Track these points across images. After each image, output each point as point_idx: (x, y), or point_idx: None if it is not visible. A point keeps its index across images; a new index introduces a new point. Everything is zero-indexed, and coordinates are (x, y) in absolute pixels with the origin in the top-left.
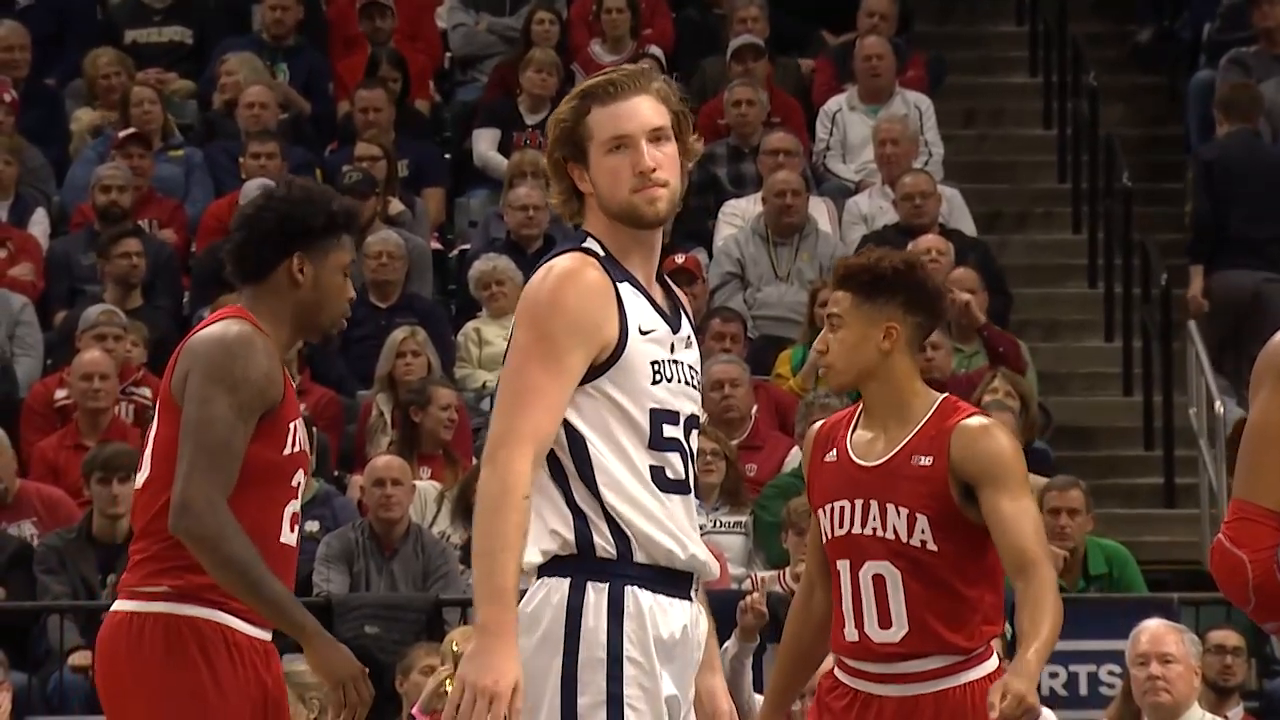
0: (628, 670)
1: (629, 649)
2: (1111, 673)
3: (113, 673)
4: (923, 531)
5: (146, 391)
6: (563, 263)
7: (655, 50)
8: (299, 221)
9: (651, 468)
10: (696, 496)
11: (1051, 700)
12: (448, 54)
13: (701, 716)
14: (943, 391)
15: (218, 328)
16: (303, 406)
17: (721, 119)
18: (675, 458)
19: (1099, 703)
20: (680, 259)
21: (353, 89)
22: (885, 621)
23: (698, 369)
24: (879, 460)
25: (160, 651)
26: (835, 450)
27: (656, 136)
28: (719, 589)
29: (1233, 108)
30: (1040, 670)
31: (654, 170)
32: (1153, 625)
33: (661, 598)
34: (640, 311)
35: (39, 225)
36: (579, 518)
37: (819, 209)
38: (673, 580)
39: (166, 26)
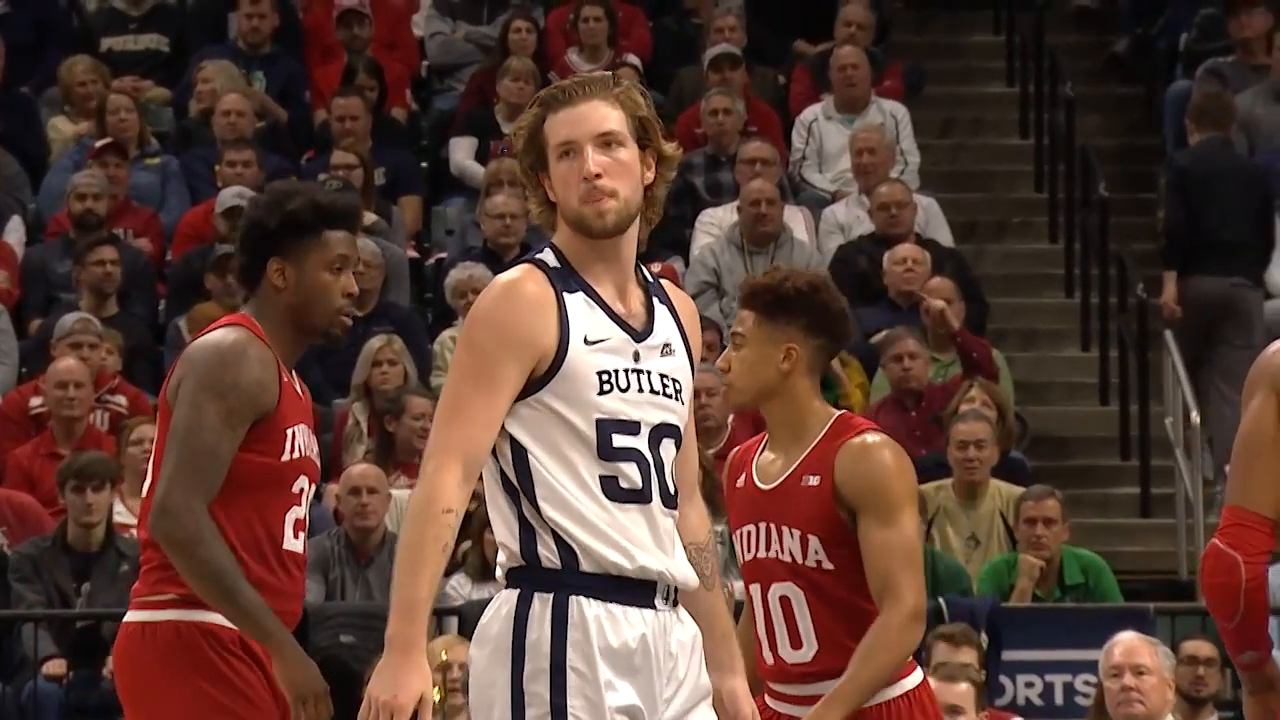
0: (571, 680)
1: (572, 658)
2: (1087, 683)
3: (131, 683)
4: (816, 551)
5: (121, 400)
6: (503, 277)
7: (633, 59)
8: (263, 226)
9: (601, 478)
10: (666, 505)
11: (1027, 710)
12: (425, 62)
13: (724, 718)
14: (919, 401)
15: (215, 335)
16: None
17: (698, 128)
18: (630, 467)
19: (1074, 712)
20: (656, 268)
21: (329, 97)
22: (796, 642)
23: (680, 377)
24: (775, 482)
25: (175, 657)
26: (744, 475)
27: (606, 142)
28: None
29: (1204, 116)
30: (846, 710)
31: (597, 176)
32: (1126, 637)
33: (614, 607)
34: (589, 321)
35: (14, 233)
36: (525, 530)
37: (795, 218)
38: (627, 589)
39: (143, 34)
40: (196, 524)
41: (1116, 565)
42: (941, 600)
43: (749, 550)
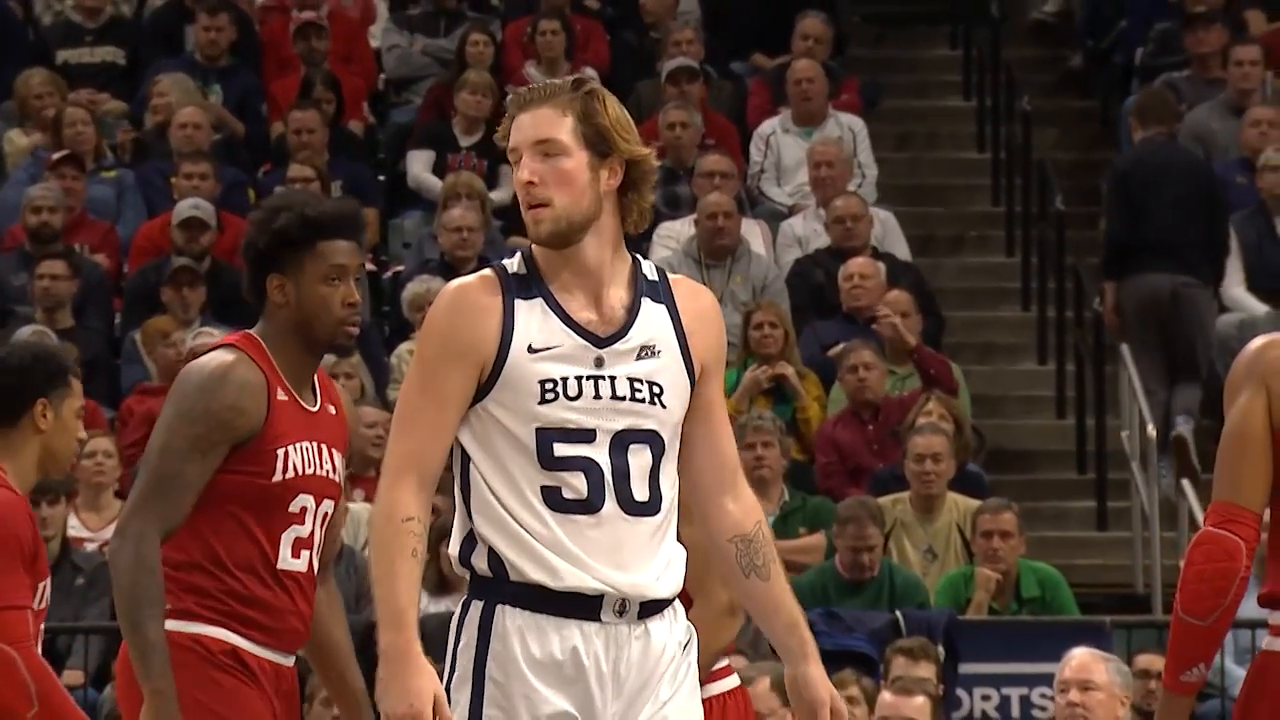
0: (488, 690)
1: (491, 668)
2: (1044, 696)
3: (126, 695)
4: None
5: None
6: (451, 284)
7: (590, 72)
8: (255, 246)
9: (543, 488)
10: (632, 513)
11: None
12: (382, 75)
13: (799, 706)
14: (876, 414)
15: (205, 357)
16: None
17: (656, 141)
18: (575, 477)
19: None
20: None
21: (286, 110)
22: None
23: (662, 379)
24: None
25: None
26: None
27: (545, 150)
28: None
29: (1148, 113)
30: None
31: (529, 184)
32: (1079, 653)
33: (542, 618)
34: (538, 329)
35: None
36: (467, 538)
37: (753, 231)
38: (558, 602)
39: (99, 47)
40: (135, 550)
41: (1073, 578)
42: (899, 613)
43: None
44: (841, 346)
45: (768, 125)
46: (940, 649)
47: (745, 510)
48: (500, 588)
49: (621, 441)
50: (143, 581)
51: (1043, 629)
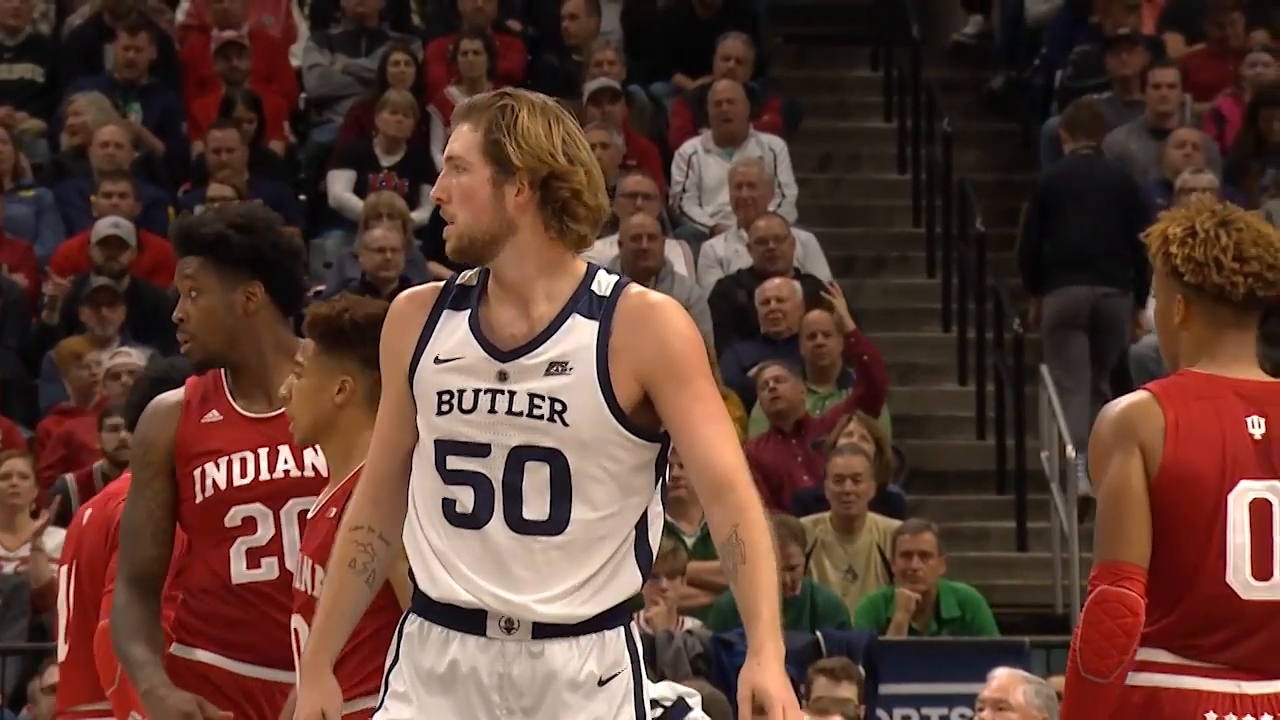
0: (387, 697)
1: (393, 674)
2: (963, 716)
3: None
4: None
5: None
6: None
7: None
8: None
9: (444, 500)
10: (521, 531)
11: None
12: (303, 94)
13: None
14: (799, 430)
15: None
16: None
17: None
18: (464, 491)
19: None
20: None
21: (206, 129)
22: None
23: (566, 397)
24: (312, 513)
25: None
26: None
27: (454, 166)
28: None
29: (1077, 126)
30: None
31: (436, 200)
32: (1001, 673)
33: (431, 627)
34: (449, 340)
35: None
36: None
37: (674, 252)
38: (445, 613)
39: (17, 64)
40: (113, 596)
41: (993, 599)
42: (819, 634)
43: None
44: (757, 366)
45: (689, 145)
46: (861, 669)
47: (725, 515)
48: (417, 597)
49: (518, 458)
50: (114, 620)
51: (963, 649)
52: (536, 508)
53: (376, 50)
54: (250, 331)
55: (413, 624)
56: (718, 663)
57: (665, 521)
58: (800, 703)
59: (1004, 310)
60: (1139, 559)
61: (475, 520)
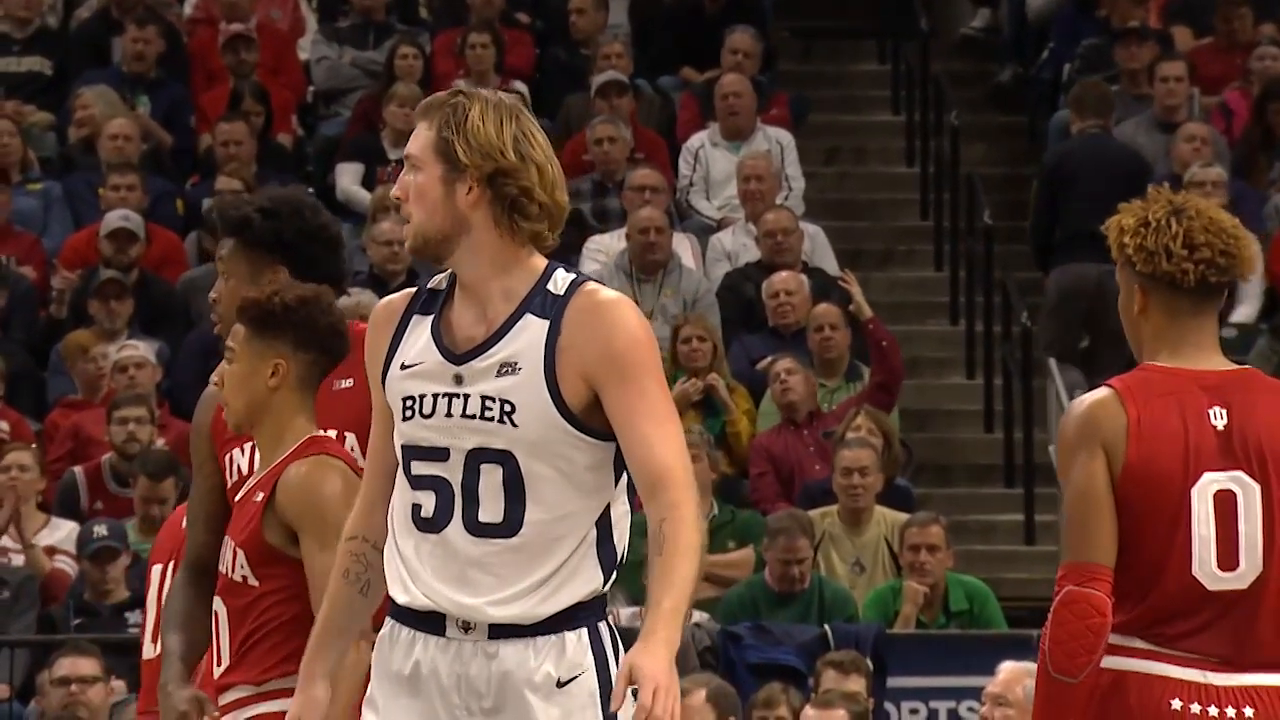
0: (366, 699)
1: (373, 676)
2: (971, 709)
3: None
4: (242, 566)
5: (4, 425)
6: None
7: (519, 86)
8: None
9: (412, 505)
10: (478, 534)
11: None
12: (311, 88)
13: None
14: (811, 420)
15: None
16: (162, 441)
17: (585, 154)
18: (427, 496)
19: None
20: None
21: (214, 122)
22: (219, 659)
23: (515, 398)
24: (239, 495)
25: None
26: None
27: (410, 164)
28: None
29: (1084, 104)
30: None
31: (398, 199)
32: (1007, 667)
33: (400, 630)
34: (414, 346)
35: None
36: None
37: (682, 245)
38: (411, 615)
39: (25, 57)
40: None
41: (1001, 592)
42: (827, 627)
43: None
44: (769, 358)
45: (696, 139)
46: (869, 662)
47: (656, 511)
48: (390, 602)
49: (474, 461)
50: (164, 604)
51: (970, 642)
52: (492, 510)
53: (384, 43)
54: None
55: (386, 627)
56: (725, 656)
57: None
58: (809, 695)
59: (1012, 303)
60: (1105, 559)
61: (435, 525)
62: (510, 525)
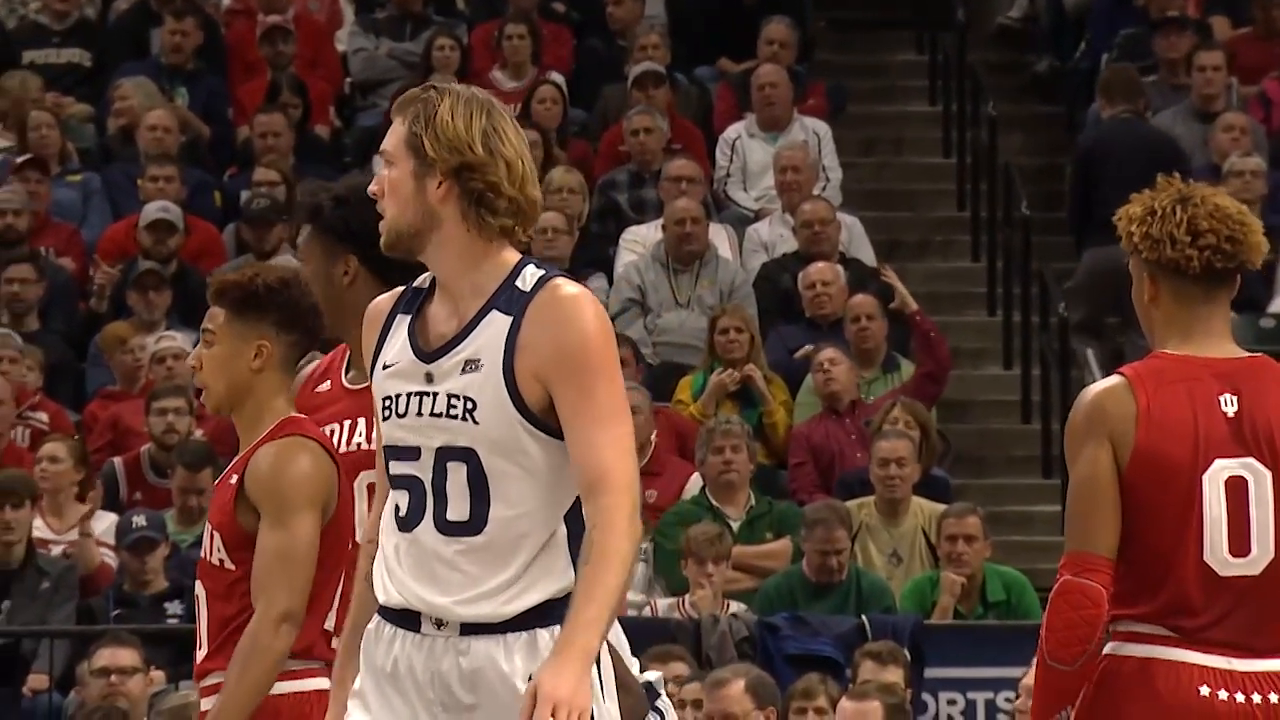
0: (358, 689)
1: (361, 671)
2: (1008, 700)
3: None
4: (219, 550)
5: (43, 416)
6: None
7: (556, 77)
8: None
9: (394, 505)
10: (446, 532)
11: None
12: (348, 79)
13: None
14: (852, 409)
15: None
16: (200, 432)
17: (622, 145)
18: (403, 495)
19: None
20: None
21: (252, 114)
22: (199, 643)
23: (476, 395)
24: (218, 480)
25: None
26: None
27: (385, 159)
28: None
29: (1113, 89)
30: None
31: (374, 195)
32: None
33: (384, 626)
34: (393, 346)
35: None
36: None
37: (719, 236)
38: (393, 612)
39: (64, 49)
40: None
41: (1038, 582)
42: (864, 618)
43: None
44: (809, 347)
45: (733, 130)
46: (906, 653)
47: (590, 516)
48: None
49: (442, 459)
50: None
51: (1008, 633)
52: (459, 508)
53: (421, 35)
54: (350, 302)
55: (373, 623)
56: (763, 646)
57: (711, 506)
58: (846, 686)
59: (1049, 294)
60: (1105, 550)
61: (409, 524)
62: (476, 523)
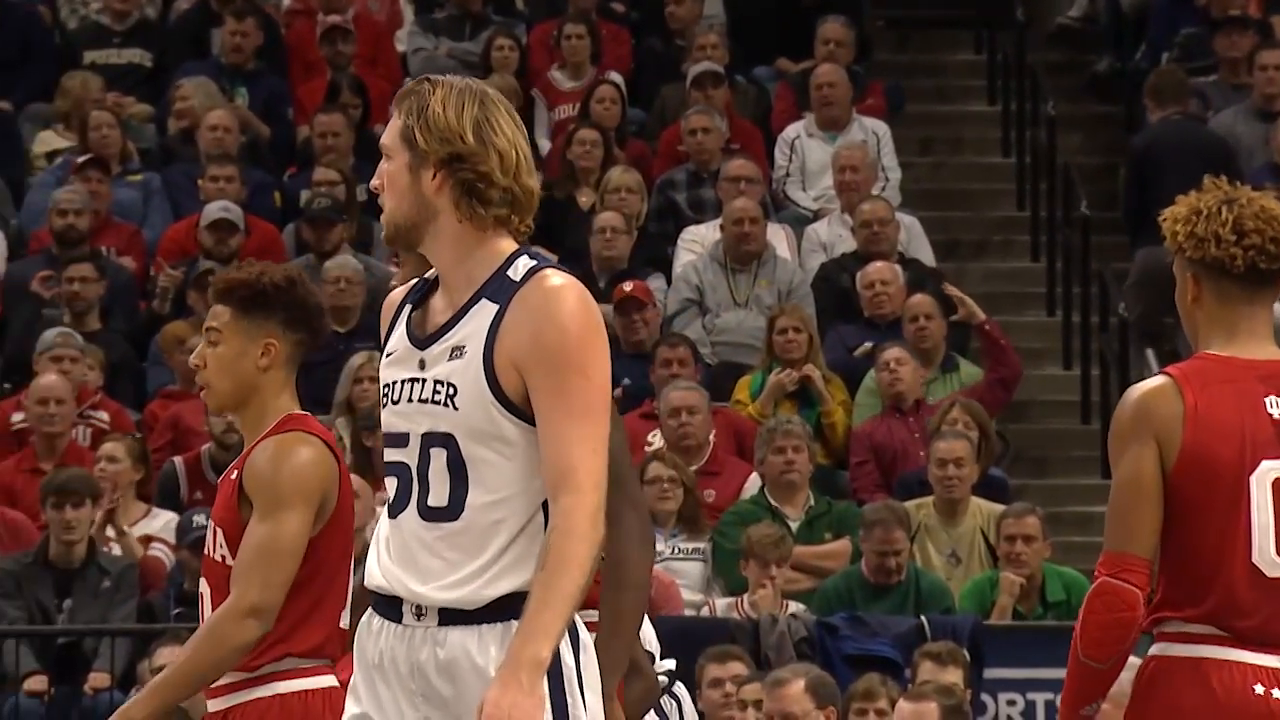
0: (353, 683)
1: (354, 664)
2: None
3: None
4: (221, 545)
5: (104, 415)
6: None
7: (615, 76)
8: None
9: (388, 492)
10: (432, 519)
11: None
12: (407, 79)
13: None
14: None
15: None
16: None
17: (680, 145)
18: (393, 482)
19: None
20: (628, 286)
21: (312, 113)
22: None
23: (458, 381)
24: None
25: None
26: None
27: (384, 154)
28: (672, 614)
29: (1162, 93)
30: (163, 698)
31: (374, 189)
32: None
33: (375, 619)
34: (396, 334)
35: None
36: None
37: (778, 236)
38: (381, 602)
39: (125, 49)
40: None
41: None
42: (924, 618)
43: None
44: (871, 345)
45: (792, 130)
46: (966, 654)
47: (552, 516)
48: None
49: (426, 445)
50: None
51: (1068, 634)
52: (439, 494)
53: (480, 35)
54: None
55: (365, 615)
56: (822, 646)
57: (770, 506)
58: (906, 687)
59: (1109, 294)
60: (1144, 551)
61: (395, 509)
62: (454, 509)
